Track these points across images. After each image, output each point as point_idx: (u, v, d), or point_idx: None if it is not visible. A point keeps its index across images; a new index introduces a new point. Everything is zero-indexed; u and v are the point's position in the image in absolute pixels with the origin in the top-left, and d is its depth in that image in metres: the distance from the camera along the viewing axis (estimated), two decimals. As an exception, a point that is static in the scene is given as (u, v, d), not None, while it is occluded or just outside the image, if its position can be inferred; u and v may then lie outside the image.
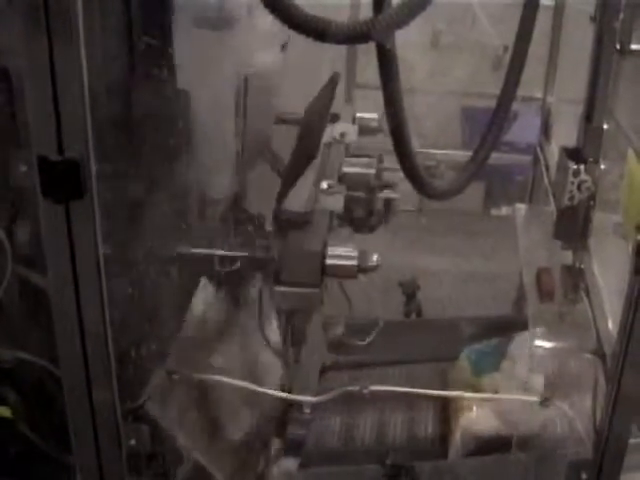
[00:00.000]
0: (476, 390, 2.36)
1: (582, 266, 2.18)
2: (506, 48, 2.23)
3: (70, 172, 1.31)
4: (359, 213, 2.18)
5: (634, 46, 2.05)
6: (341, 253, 1.84)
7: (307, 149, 2.01)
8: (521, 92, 2.29)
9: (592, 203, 2.14)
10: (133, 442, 1.68)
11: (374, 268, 1.84)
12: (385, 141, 1.82)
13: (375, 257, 1.84)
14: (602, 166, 2.12)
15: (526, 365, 2.23)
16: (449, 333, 2.71)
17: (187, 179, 1.99)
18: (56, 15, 1.23)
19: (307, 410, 2.30)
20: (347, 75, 4.30)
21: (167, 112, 1.89)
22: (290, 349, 2.17)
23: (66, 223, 1.36)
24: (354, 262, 1.83)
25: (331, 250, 1.83)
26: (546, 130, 2.91)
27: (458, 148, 4.31)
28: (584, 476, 1.78)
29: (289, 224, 1.89)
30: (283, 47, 2.28)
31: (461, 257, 3.75)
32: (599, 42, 2.09)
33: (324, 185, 2.05)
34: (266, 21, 2.11)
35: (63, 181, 1.32)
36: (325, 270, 1.82)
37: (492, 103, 2.23)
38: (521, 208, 2.90)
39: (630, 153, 2.00)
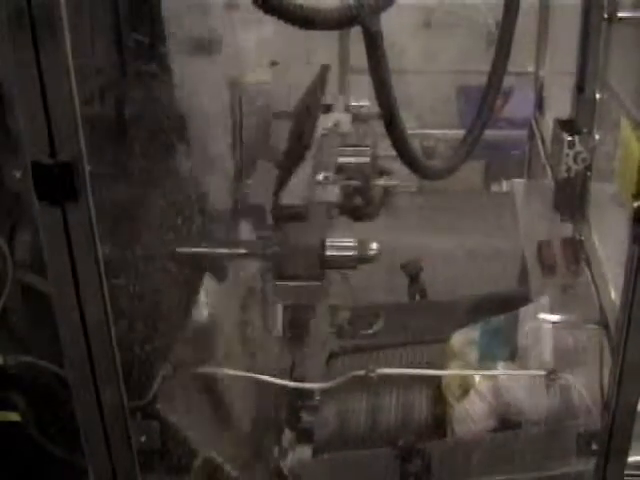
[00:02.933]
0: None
1: (582, 237, 2.18)
2: (499, 24, 2.22)
3: (64, 175, 1.32)
4: (357, 202, 2.17)
5: (621, 14, 2.04)
6: (340, 244, 1.83)
7: (300, 140, 2.01)
8: (514, 67, 2.29)
9: (589, 174, 2.14)
10: (143, 439, 1.69)
11: (373, 257, 1.84)
12: (380, 126, 1.82)
13: (374, 245, 1.84)
14: (596, 136, 2.12)
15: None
16: (455, 313, 2.72)
17: (186, 181, 1.99)
18: (41, 20, 1.23)
19: (317, 397, 2.31)
20: (340, 61, 4.31)
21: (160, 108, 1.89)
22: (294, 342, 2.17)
23: (63, 225, 1.37)
24: (353, 252, 1.82)
25: (330, 242, 1.83)
26: (540, 103, 2.91)
27: (455, 127, 4.31)
28: (594, 447, 1.79)
29: (287, 217, 1.88)
30: (272, 64, 2.30)
31: (463, 235, 3.74)
32: (587, 12, 2.09)
33: (320, 177, 2.03)
34: (251, 40, 2.16)
35: (57, 184, 1.33)
36: (325, 262, 1.81)
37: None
38: (519, 183, 2.91)
39: (624, 121, 1.99)
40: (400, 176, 2.27)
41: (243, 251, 1.93)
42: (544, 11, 2.82)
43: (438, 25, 4.62)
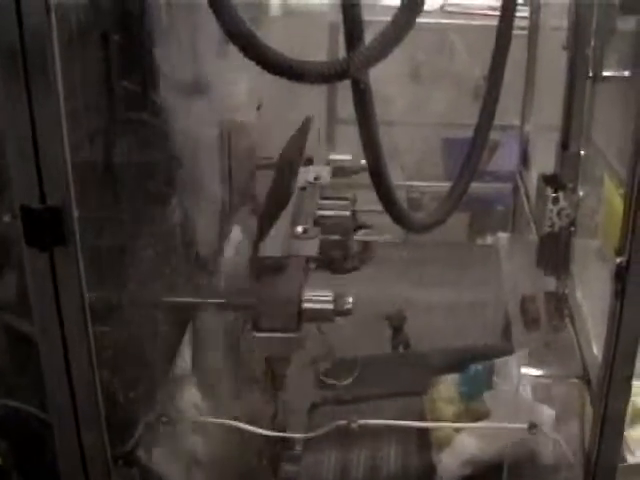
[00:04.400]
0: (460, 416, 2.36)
1: (566, 292, 2.19)
2: (486, 78, 2.25)
3: (52, 220, 1.33)
4: (336, 255, 2.18)
5: (606, 72, 2.08)
6: (317, 297, 1.85)
7: (280, 194, 2.03)
8: (500, 121, 2.31)
9: (572, 229, 2.16)
10: (125, 486, 1.69)
11: (349, 311, 1.86)
12: (359, 180, 1.84)
13: (350, 299, 1.85)
14: (580, 192, 2.14)
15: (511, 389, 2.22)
16: (438, 364, 2.72)
17: (173, 226, 2.01)
18: (34, 65, 1.25)
19: (298, 447, 2.30)
20: (328, 112, 4.34)
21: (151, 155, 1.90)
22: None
23: (51, 270, 1.37)
24: (330, 306, 1.84)
25: (307, 294, 1.84)
26: (525, 158, 2.93)
27: (441, 180, 4.33)
28: (576, 501, 1.79)
29: (265, 269, 1.90)
30: (258, 107, 2.32)
31: (447, 287, 3.76)
32: (572, 70, 2.12)
33: (299, 229, 2.05)
34: (241, 85, 2.19)
35: (46, 229, 1.34)
36: (302, 314, 1.83)
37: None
38: (503, 237, 2.92)
39: (607, 178, 2.02)
40: (385, 228, 2.28)
41: (221, 301, 1.94)
42: (531, 66, 2.86)
43: (426, 77, 4.66)
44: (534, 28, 2.83)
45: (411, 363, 2.82)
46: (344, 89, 1.68)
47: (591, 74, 2.09)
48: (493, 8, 3.34)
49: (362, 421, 1.98)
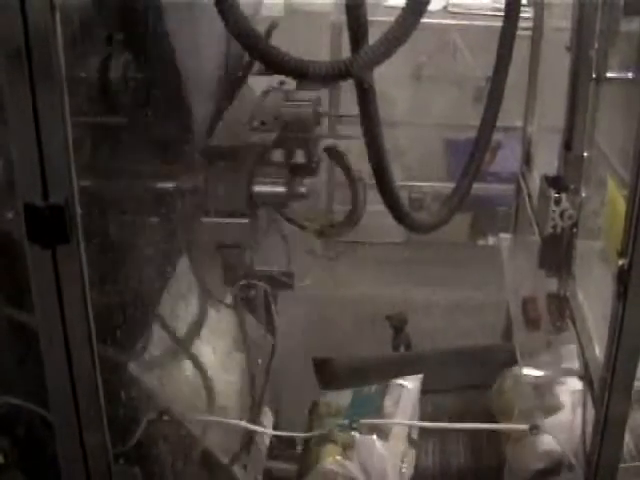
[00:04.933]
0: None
1: (567, 293, 2.19)
2: (488, 79, 2.25)
3: (55, 217, 1.33)
4: (297, 156, 2.07)
5: (609, 74, 2.07)
6: (269, 180, 1.80)
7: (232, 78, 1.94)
8: (502, 122, 2.31)
9: (575, 231, 2.15)
10: (126, 484, 1.69)
11: (303, 195, 1.80)
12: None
13: (305, 183, 1.80)
14: (583, 194, 2.14)
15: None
16: (439, 365, 2.72)
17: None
18: (38, 63, 1.25)
19: (299, 447, 2.31)
20: (330, 110, 4.33)
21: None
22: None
23: (53, 267, 1.37)
24: (282, 189, 1.79)
25: (258, 178, 1.79)
26: (527, 159, 2.93)
27: (443, 180, 4.33)
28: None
29: (217, 157, 1.82)
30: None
31: (449, 288, 3.76)
32: (575, 71, 2.12)
33: (256, 122, 1.96)
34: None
35: (49, 226, 1.34)
36: (253, 197, 1.77)
37: (475, 134, 2.25)
38: (506, 238, 2.92)
39: (610, 179, 2.02)
40: (388, 227, 2.26)
41: (170, 185, 1.83)
42: (534, 67, 2.85)
43: (428, 78, 4.67)
44: (537, 29, 2.82)
45: (412, 363, 2.82)
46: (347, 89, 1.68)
47: (594, 75, 2.08)
48: (496, 9, 3.33)
49: (363, 421, 1.98)
